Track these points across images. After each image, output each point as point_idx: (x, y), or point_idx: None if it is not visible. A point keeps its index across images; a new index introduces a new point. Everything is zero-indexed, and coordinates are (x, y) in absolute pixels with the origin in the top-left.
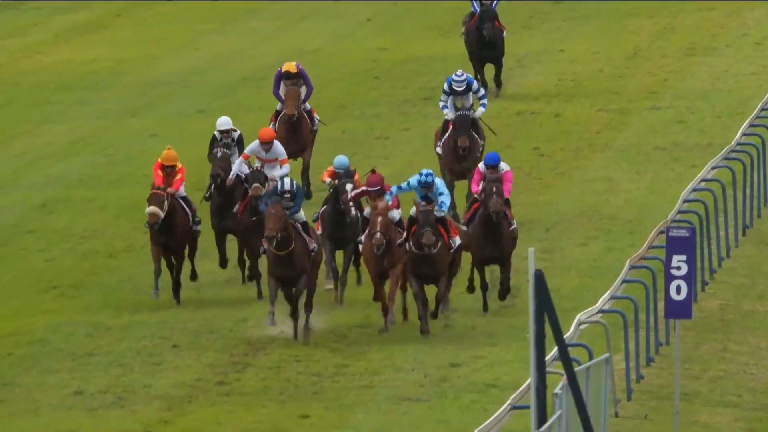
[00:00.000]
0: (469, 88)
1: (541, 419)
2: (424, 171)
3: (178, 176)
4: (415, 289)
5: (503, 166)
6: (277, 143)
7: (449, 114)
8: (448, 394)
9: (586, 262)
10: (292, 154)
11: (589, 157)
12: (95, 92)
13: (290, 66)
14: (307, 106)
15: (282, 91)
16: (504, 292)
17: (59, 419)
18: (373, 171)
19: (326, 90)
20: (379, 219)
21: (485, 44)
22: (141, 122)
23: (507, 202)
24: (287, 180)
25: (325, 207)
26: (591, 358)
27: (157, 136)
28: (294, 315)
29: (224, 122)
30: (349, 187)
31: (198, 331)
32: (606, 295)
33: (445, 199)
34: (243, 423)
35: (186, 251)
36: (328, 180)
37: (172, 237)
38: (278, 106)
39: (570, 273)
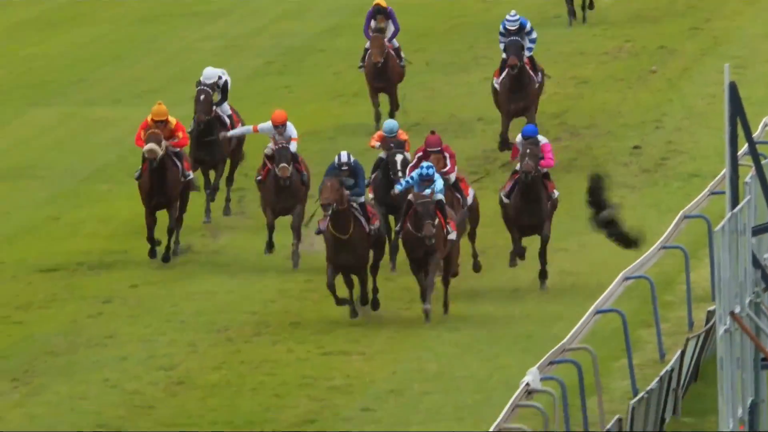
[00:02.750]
0: (521, 28)
1: (734, 202)
2: (425, 164)
3: (180, 135)
4: (416, 271)
5: (541, 138)
6: (290, 124)
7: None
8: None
9: None
10: (379, 90)
11: None
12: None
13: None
14: (395, 43)
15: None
16: (544, 273)
17: None
18: (432, 132)
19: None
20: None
21: None
22: None
23: (547, 176)
24: (344, 153)
25: (375, 174)
26: None
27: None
28: (363, 301)
29: (210, 74)
30: (399, 158)
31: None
32: None
33: (438, 183)
34: None
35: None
36: (377, 144)
37: (162, 193)
38: (366, 44)
39: (759, 84)
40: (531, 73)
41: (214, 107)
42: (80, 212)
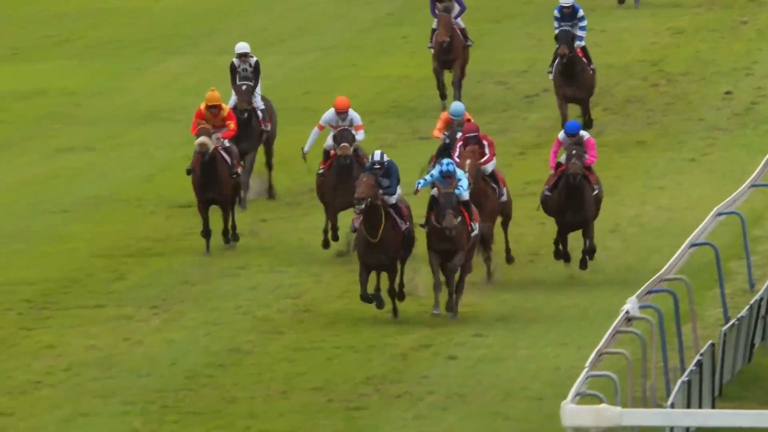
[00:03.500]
0: (574, 12)
1: None
2: (445, 161)
3: (231, 126)
4: (433, 262)
5: (584, 133)
6: (352, 111)
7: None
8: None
9: None
10: (444, 64)
11: None
12: None
13: None
14: (461, 23)
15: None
16: (585, 260)
17: None
18: (468, 120)
19: None
20: (468, 161)
21: None
22: None
23: (590, 169)
24: (378, 152)
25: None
26: None
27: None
28: (391, 293)
29: (242, 46)
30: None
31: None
32: None
33: (464, 182)
34: None
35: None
36: (443, 135)
37: (212, 188)
38: (434, 24)
39: None
40: (584, 61)
41: (242, 82)
42: None
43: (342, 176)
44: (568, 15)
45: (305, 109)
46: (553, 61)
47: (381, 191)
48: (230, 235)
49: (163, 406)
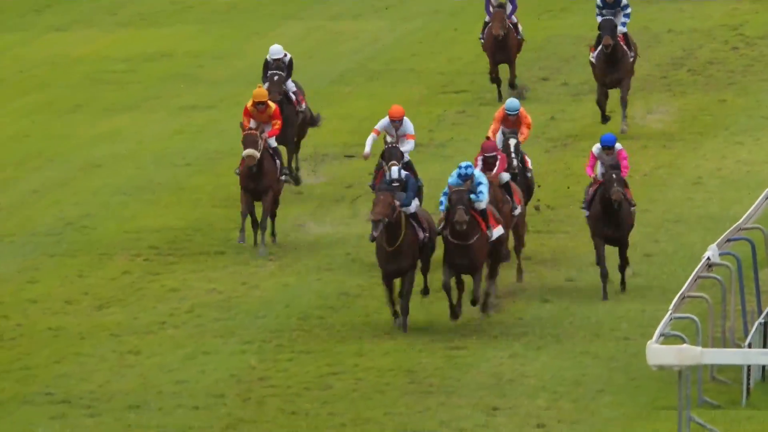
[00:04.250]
0: (617, 2)
1: None
2: (463, 164)
3: (276, 125)
4: (445, 279)
5: (618, 146)
6: (406, 119)
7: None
8: None
9: None
10: (500, 62)
11: None
12: None
13: None
14: (514, 19)
15: (491, 11)
16: (623, 280)
17: None
18: (487, 138)
19: None
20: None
21: None
22: None
23: (625, 183)
24: (395, 169)
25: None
26: None
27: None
28: (404, 310)
29: (277, 50)
30: (512, 142)
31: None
32: None
33: (484, 188)
34: None
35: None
36: (498, 134)
37: (258, 182)
38: (486, 18)
39: None
40: (625, 48)
41: (274, 72)
42: (325, 111)
43: None
44: (611, 3)
45: (411, 70)
46: (596, 48)
47: (398, 204)
48: (271, 232)
49: (278, 345)
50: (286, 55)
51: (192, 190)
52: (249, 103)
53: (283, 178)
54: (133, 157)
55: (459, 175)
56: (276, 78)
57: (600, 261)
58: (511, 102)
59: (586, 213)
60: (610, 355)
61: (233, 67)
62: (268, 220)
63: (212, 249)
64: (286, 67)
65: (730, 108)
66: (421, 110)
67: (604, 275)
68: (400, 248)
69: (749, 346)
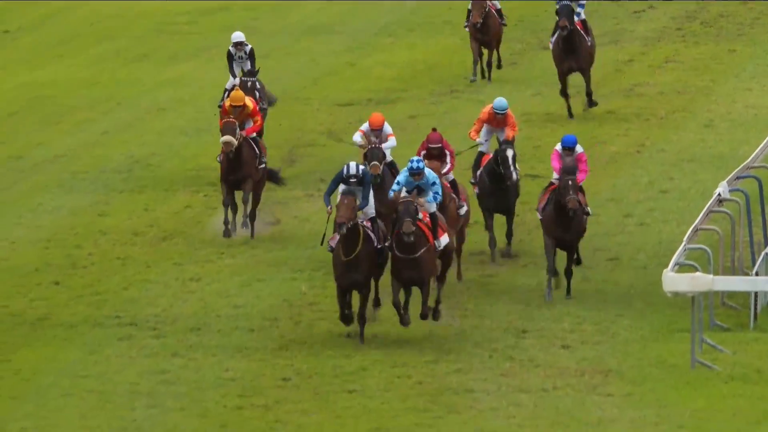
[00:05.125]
0: None
1: None
2: (414, 158)
3: (257, 122)
4: (395, 296)
5: (578, 148)
6: (386, 125)
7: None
8: None
9: None
10: (483, 45)
11: None
12: None
13: None
14: (497, 4)
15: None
16: (569, 287)
17: None
18: (434, 129)
19: None
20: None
21: None
22: None
23: (581, 189)
24: (353, 164)
25: (480, 172)
26: None
27: None
28: (361, 319)
29: (238, 36)
30: (510, 153)
31: None
32: None
33: (438, 189)
34: None
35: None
36: (479, 138)
37: (238, 172)
38: (469, 5)
39: None
40: (582, 34)
41: (237, 81)
42: (369, 60)
43: (374, 192)
44: None
45: (447, 22)
46: (554, 33)
47: (360, 209)
48: (249, 218)
49: (326, 273)
50: (247, 44)
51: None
52: (227, 103)
53: (262, 166)
54: (195, 102)
55: (410, 169)
56: (249, 84)
57: (550, 260)
58: (500, 101)
59: (539, 216)
60: (629, 282)
61: (286, 19)
62: (248, 218)
63: (268, 185)
64: (248, 56)
65: (739, 57)
66: (455, 60)
67: (553, 271)
68: (357, 259)
69: (756, 274)
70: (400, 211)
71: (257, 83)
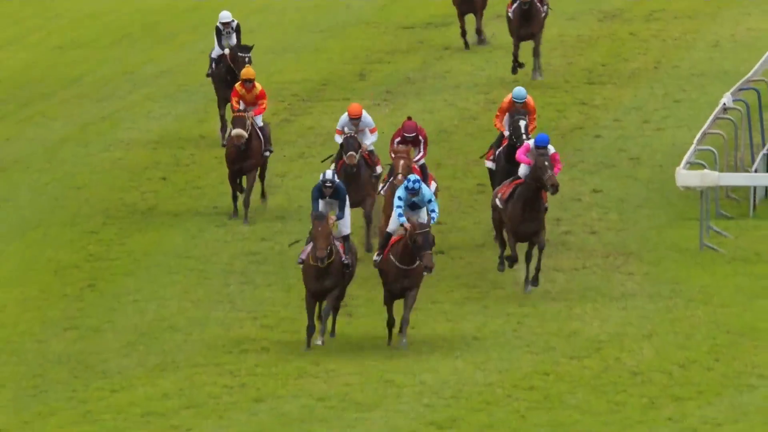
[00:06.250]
0: None
1: None
2: (411, 177)
3: (263, 104)
4: (389, 313)
5: (551, 147)
6: (365, 114)
7: None
8: None
9: None
10: (466, 13)
11: None
12: None
13: None
14: None
15: None
16: (537, 278)
17: None
18: (409, 118)
19: None
20: (402, 162)
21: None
22: None
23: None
24: (329, 172)
25: (499, 151)
26: None
27: None
28: (323, 329)
29: (226, 15)
30: (522, 123)
31: None
32: None
33: (436, 207)
34: None
35: (257, 174)
36: (504, 121)
37: (245, 161)
38: None
39: None
40: (538, 5)
41: (226, 51)
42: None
43: (348, 182)
44: None
45: None
46: (512, 3)
47: (336, 221)
48: (263, 195)
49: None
50: (234, 21)
51: (324, 51)
52: (238, 84)
53: (267, 154)
54: (280, 25)
55: (406, 188)
56: (247, 60)
57: (513, 254)
58: (519, 91)
59: (499, 205)
60: (648, 178)
61: None
62: (256, 184)
63: (341, 96)
64: (234, 32)
65: None
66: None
67: (514, 259)
68: (329, 267)
69: (755, 171)
70: (419, 243)
71: (247, 58)
